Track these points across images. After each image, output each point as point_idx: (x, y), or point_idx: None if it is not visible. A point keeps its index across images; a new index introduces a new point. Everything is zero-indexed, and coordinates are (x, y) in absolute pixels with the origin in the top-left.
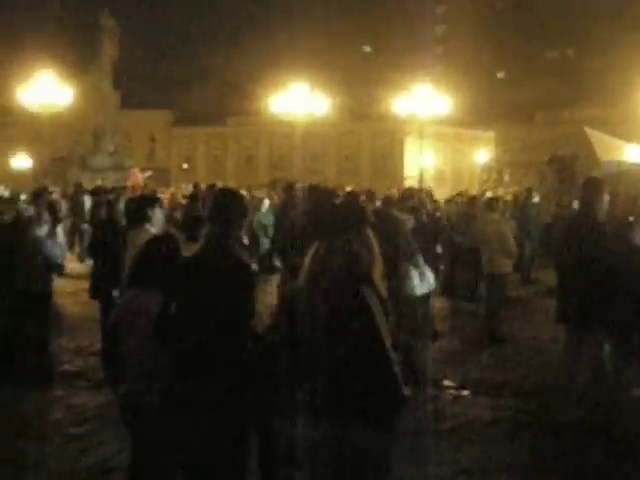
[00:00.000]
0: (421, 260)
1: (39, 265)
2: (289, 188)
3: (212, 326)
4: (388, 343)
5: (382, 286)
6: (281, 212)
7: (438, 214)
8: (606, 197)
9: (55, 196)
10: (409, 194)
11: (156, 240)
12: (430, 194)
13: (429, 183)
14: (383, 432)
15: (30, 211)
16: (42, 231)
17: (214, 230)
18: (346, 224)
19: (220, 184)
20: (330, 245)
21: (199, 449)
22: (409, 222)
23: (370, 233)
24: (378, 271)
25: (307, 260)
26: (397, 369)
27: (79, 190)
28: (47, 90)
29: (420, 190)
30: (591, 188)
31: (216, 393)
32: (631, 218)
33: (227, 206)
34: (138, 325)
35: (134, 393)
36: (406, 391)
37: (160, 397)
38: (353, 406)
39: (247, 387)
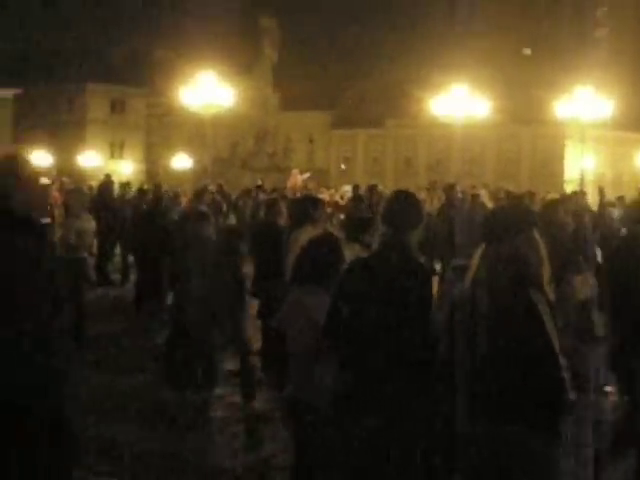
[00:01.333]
0: (583, 264)
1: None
2: (450, 189)
3: (388, 330)
4: (556, 347)
5: (550, 290)
6: (441, 213)
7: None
8: None
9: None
10: (570, 198)
11: (318, 239)
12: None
13: (589, 187)
14: (547, 436)
15: (198, 210)
16: (209, 230)
17: (390, 232)
18: (514, 226)
19: (380, 186)
20: (498, 247)
21: (371, 454)
22: (570, 226)
23: (538, 236)
24: (546, 274)
25: (474, 262)
26: (565, 373)
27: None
28: (209, 91)
29: (582, 194)
30: None
31: (391, 398)
32: None
33: (403, 208)
34: (301, 324)
35: (298, 394)
36: (572, 395)
37: (327, 399)
38: (518, 409)
39: (423, 393)
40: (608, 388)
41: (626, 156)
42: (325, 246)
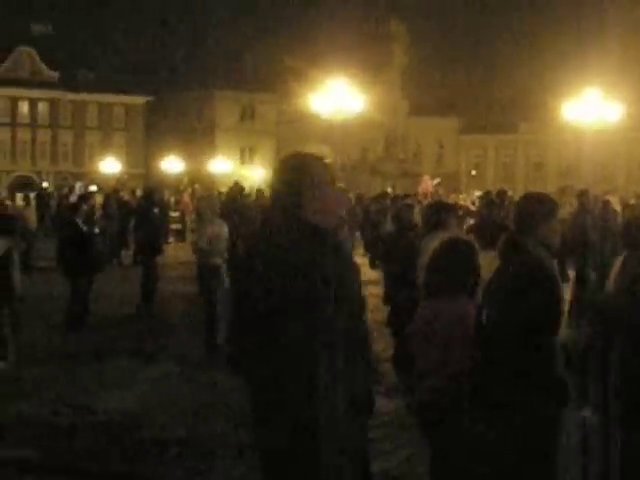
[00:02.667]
0: None
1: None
2: (583, 195)
3: (518, 335)
4: None
5: None
6: (574, 219)
7: None
8: None
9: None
10: None
11: (450, 244)
12: None
13: None
14: None
15: None
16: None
17: (512, 234)
18: None
19: (509, 191)
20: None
21: (503, 459)
22: None
23: None
24: None
25: (615, 269)
26: None
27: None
28: (339, 97)
29: None
30: None
31: (522, 405)
32: None
33: (526, 209)
34: (435, 331)
35: (431, 399)
36: None
37: (459, 404)
38: None
39: (554, 400)
40: None
41: None
42: (458, 253)
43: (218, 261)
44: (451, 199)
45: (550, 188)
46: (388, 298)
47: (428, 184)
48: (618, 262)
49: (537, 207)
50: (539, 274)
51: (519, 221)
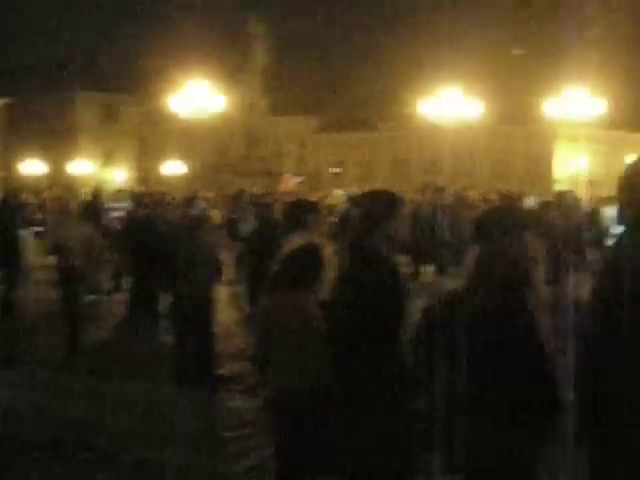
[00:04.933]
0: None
1: (203, 270)
2: (438, 191)
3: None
4: (547, 346)
5: (544, 289)
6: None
7: None
8: None
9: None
10: (562, 197)
11: (300, 247)
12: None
13: (582, 187)
14: (535, 436)
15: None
16: (204, 234)
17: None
18: (505, 227)
19: (370, 189)
20: (489, 248)
21: (355, 452)
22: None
23: (530, 237)
24: (540, 274)
25: (467, 262)
26: (554, 373)
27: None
28: (198, 97)
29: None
30: None
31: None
32: None
33: (368, 208)
34: (276, 321)
35: (282, 393)
36: (561, 394)
37: (312, 398)
38: (506, 407)
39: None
40: None
41: (620, 155)
42: (307, 254)
43: (74, 262)
44: (316, 197)
45: (414, 185)
46: (252, 296)
47: (288, 183)
48: (469, 254)
49: (375, 205)
50: (382, 268)
51: (361, 220)
